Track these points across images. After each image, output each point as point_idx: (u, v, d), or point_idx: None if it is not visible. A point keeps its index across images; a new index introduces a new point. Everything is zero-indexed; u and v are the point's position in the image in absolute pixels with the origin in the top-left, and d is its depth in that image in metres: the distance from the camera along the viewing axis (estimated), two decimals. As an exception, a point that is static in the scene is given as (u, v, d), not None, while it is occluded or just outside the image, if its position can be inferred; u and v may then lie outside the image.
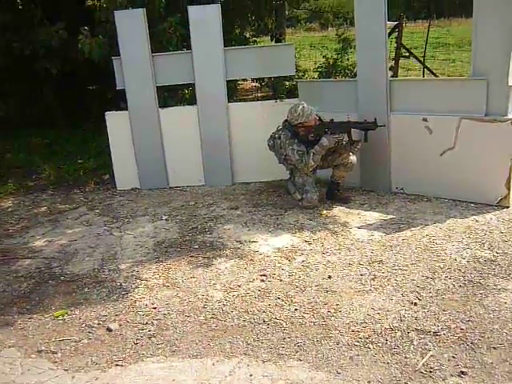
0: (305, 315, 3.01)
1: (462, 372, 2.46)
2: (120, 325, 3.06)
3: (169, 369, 2.66)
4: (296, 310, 3.07)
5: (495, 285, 3.16)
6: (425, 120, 4.46)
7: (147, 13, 5.06)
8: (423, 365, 2.53)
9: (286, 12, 11.80)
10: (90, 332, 3.02)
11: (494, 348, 2.61)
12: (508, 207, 4.21)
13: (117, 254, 4.00)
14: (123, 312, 3.19)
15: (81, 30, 5.55)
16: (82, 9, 5.81)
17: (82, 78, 7.78)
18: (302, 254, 3.75)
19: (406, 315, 2.93)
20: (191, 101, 5.87)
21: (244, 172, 5.37)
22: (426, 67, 8.54)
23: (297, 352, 2.70)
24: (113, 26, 5.19)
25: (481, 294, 3.08)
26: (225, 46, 5.13)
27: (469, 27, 4.20)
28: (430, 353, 2.61)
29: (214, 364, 2.67)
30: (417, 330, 2.80)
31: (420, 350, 2.65)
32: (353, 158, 4.58)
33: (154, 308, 3.20)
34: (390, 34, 7.95)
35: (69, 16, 6.60)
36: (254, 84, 10.54)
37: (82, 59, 5.80)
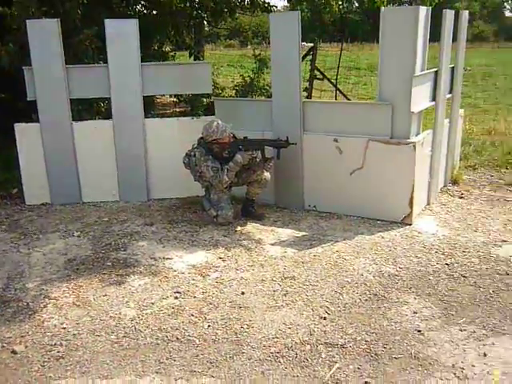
0: (218, 331, 3.04)
1: (366, 382, 2.59)
2: (26, 347, 2.94)
3: (78, 391, 2.59)
4: (209, 326, 3.09)
5: (397, 298, 3.36)
6: (336, 141, 4.67)
7: (62, 23, 4.94)
8: (330, 376, 2.64)
9: (206, 29, 11.90)
10: (-8, 355, 2.88)
11: (396, 358, 2.77)
12: (411, 224, 4.49)
13: (24, 272, 3.84)
14: (30, 333, 3.06)
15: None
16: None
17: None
18: (216, 271, 3.78)
19: (315, 329, 3.04)
20: (107, 115, 5.78)
21: (160, 188, 5.34)
22: (338, 89, 8.95)
23: (209, 369, 2.73)
24: (25, 34, 5.01)
25: (384, 307, 3.26)
26: (142, 61, 5.11)
27: (378, 52, 4.46)
28: (337, 365, 2.73)
29: (125, 384, 2.63)
30: (325, 343, 2.92)
31: (328, 362, 2.76)
32: (266, 174, 4.70)
33: (64, 328, 3.11)
34: (304, 57, 8.27)
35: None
36: (171, 99, 10.53)
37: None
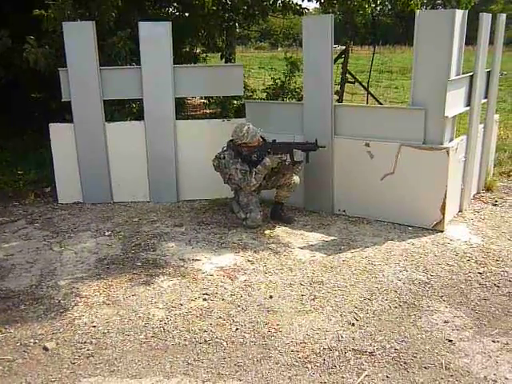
0: (246, 335, 3.04)
1: (395, 391, 2.56)
2: (57, 344, 2.98)
3: (106, 389, 2.62)
4: (237, 329, 3.09)
5: (428, 306, 3.30)
6: (367, 145, 4.62)
7: (96, 26, 5.03)
8: (359, 384, 2.62)
9: (237, 31, 11.94)
10: (25, 351, 2.93)
11: (425, 368, 2.72)
12: (442, 231, 4.41)
13: (56, 270, 3.90)
14: (61, 330, 3.11)
15: (27, 38, 5.43)
16: (28, 17, 5.69)
17: (26, 86, 7.58)
18: (245, 274, 3.78)
19: (343, 335, 3.02)
20: (139, 115, 5.84)
21: (189, 189, 5.38)
22: (370, 93, 8.86)
23: (237, 372, 2.72)
24: (60, 37, 5.11)
25: (415, 315, 3.21)
26: (174, 63, 5.15)
27: (411, 55, 4.40)
28: (366, 372, 2.69)
29: (153, 384, 2.65)
30: (354, 349, 2.88)
31: (356, 369, 2.72)
32: (296, 178, 4.68)
33: (94, 326, 3.15)
34: (336, 60, 8.22)
35: (14, 24, 6.44)
36: (202, 100, 10.60)
37: (26, 67, 5.67)
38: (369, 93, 9.17)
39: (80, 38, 5.00)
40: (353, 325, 3.11)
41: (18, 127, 7.52)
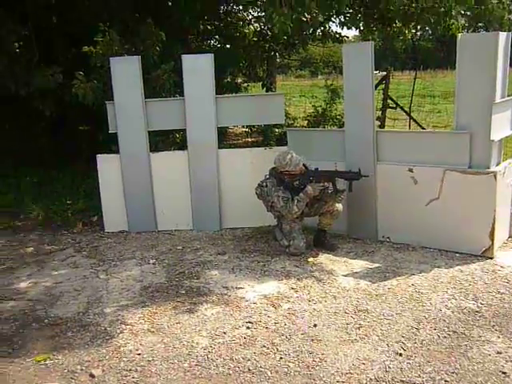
0: (290, 364, 3.00)
1: (447, 425, 2.46)
2: (103, 371, 3.02)
3: (151, 418, 2.63)
4: (281, 358, 3.06)
5: (479, 336, 3.18)
6: (410, 170, 4.56)
7: (142, 60, 5.21)
8: (408, 417, 2.53)
9: (277, 60, 12.10)
10: (72, 378, 2.97)
11: (478, 401, 2.62)
12: (492, 258, 4.28)
13: (102, 297, 3.97)
14: (107, 357, 3.15)
15: (76, 74, 5.66)
16: (77, 54, 5.95)
17: (74, 119, 7.88)
18: (288, 302, 3.75)
19: (391, 366, 2.94)
20: (182, 145, 5.96)
21: (232, 218, 5.41)
22: (412, 118, 8.78)
23: (281, 402, 2.69)
24: (107, 71, 5.31)
25: (465, 345, 3.10)
26: (216, 93, 5.26)
27: (453, 78, 4.34)
28: (415, 405, 2.61)
29: (197, 413, 2.64)
30: (402, 381, 2.80)
31: (405, 401, 2.64)
32: (339, 206, 4.65)
33: (139, 354, 3.17)
34: (377, 85, 8.20)
35: (65, 60, 6.75)
36: (244, 129, 10.72)
37: (75, 102, 5.91)
38: (411, 118, 9.08)
39: (126, 72, 5.18)
40: (400, 355, 3.03)
41: (66, 159, 7.79)
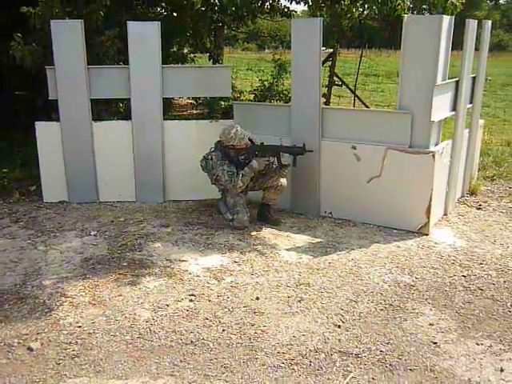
0: (232, 336, 3.04)
1: (380, 393, 2.58)
2: (42, 344, 2.96)
3: (92, 390, 2.61)
4: (224, 330, 3.10)
5: (413, 309, 3.33)
6: (354, 148, 4.65)
7: (85, 25, 4.99)
8: (344, 386, 2.63)
9: (225, 31, 11.94)
10: (9, 351, 2.90)
11: (411, 370, 2.75)
12: (427, 234, 4.46)
13: (41, 269, 3.87)
14: (46, 331, 3.09)
15: (14, 36, 5.37)
16: (16, 14, 5.63)
17: (11, 83, 7.50)
18: (231, 275, 3.79)
19: (330, 337, 3.03)
20: (126, 115, 5.82)
21: (176, 190, 5.36)
22: (357, 96, 8.92)
23: (223, 373, 2.73)
24: (48, 34, 5.07)
25: (400, 317, 3.24)
26: (162, 63, 5.14)
27: (397, 58, 4.43)
28: (352, 374, 2.71)
29: (139, 385, 2.64)
30: (340, 351, 2.90)
31: (342, 371, 2.74)
32: (283, 180, 4.70)
33: (79, 327, 3.13)
34: (324, 62, 8.26)
35: (1, 20, 6.38)
36: (189, 101, 10.58)
37: (12, 65, 5.62)
38: (356, 96, 9.22)
39: (68, 37, 4.96)
40: (339, 327, 3.13)
41: (2, 125, 7.43)
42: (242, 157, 4.54)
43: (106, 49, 5.61)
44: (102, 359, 2.84)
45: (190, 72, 5.49)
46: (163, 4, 9.23)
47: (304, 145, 4.54)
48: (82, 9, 5.68)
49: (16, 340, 2.99)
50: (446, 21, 4.29)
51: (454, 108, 4.80)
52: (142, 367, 2.77)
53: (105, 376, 2.70)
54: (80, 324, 3.15)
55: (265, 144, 4.55)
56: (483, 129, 6.26)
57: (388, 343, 2.97)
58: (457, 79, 4.73)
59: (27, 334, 3.05)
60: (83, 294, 3.51)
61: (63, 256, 4.10)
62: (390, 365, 2.78)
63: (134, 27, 5.02)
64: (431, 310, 3.32)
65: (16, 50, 5.33)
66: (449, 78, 4.61)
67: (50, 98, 5.14)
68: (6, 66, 6.14)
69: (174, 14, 8.89)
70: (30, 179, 5.78)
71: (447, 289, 3.59)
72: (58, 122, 5.17)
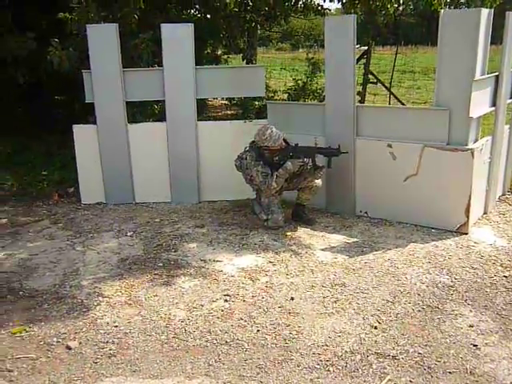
0: (267, 337, 3.03)
1: (419, 396, 2.52)
2: (80, 343, 3.01)
3: (128, 389, 2.63)
4: (258, 331, 3.08)
5: (452, 310, 3.25)
6: (389, 146, 4.58)
7: (119, 28, 5.07)
8: (381, 388, 2.58)
9: (259, 32, 11.94)
10: (48, 350, 2.96)
11: (450, 373, 2.68)
12: (467, 234, 4.34)
13: (79, 269, 3.94)
14: (83, 330, 3.14)
15: (51, 41, 5.50)
16: (52, 20, 5.77)
17: (50, 88, 7.68)
18: (266, 275, 3.77)
19: (366, 338, 2.98)
20: (160, 116, 5.87)
21: (211, 190, 5.38)
22: (392, 94, 8.78)
23: (258, 374, 2.71)
24: (84, 39, 5.17)
25: (438, 318, 3.16)
26: (196, 65, 5.17)
27: (434, 54, 4.33)
28: (388, 377, 2.66)
29: (174, 385, 2.65)
30: (376, 353, 2.85)
31: (378, 373, 2.69)
32: (318, 181, 4.66)
33: (116, 326, 3.17)
34: (358, 60, 8.16)
35: (39, 26, 6.54)
36: (223, 102, 10.62)
37: (50, 70, 5.75)
38: (391, 93, 9.08)
39: (103, 41, 5.05)
40: (375, 328, 3.08)
41: (42, 129, 7.63)
42: (277, 158, 4.52)
43: (141, 51, 5.67)
44: (137, 359, 2.86)
45: (223, 72, 5.51)
46: (197, 6, 9.29)
47: (339, 146, 4.48)
48: (116, 13, 5.77)
49: (55, 339, 3.05)
50: (485, 14, 4.16)
51: (494, 103, 4.66)
52: (177, 367, 2.79)
53: (141, 375, 2.73)
54: (116, 324, 3.19)
55: (299, 145, 4.52)
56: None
57: (426, 345, 2.90)
58: (496, 74, 4.59)
59: (66, 333, 3.10)
60: (120, 293, 3.56)
61: (100, 256, 4.16)
62: (429, 367, 2.72)
63: (167, 29, 5.06)
64: (471, 311, 3.23)
65: (54, 55, 5.45)
66: (488, 73, 4.48)
67: (86, 101, 5.23)
68: (44, 71, 6.29)
69: (208, 16, 8.94)
70: (68, 181, 5.90)
71: (488, 290, 3.48)
72: (94, 124, 5.26)
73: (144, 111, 6.30)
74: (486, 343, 2.91)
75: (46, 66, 5.80)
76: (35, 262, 4.08)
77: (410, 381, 2.62)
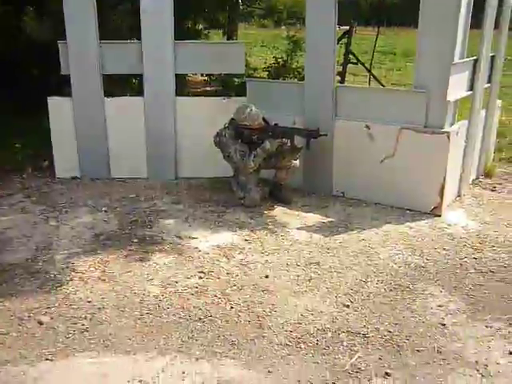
0: (240, 314, 3.05)
1: (387, 373, 2.57)
2: (52, 318, 2.99)
3: (100, 364, 2.63)
4: (232, 308, 3.10)
5: (423, 290, 3.31)
6: (367, 127, 4.59)
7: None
8: (351, 365, 2.63)
9: (240, 7, 11.78)
10: (19, 324, 2.93)
11: (418, 351, 2.74)
12: (440, 216, 4.40)
13: (52, 244, 3.90)
14: (56, 305, 3.12)
15: (25, 9, 5.34)
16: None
17: (23, 59, 7.48)
18: (241, 253, 3.79)
19: (338, 317, 3.03)
20: (138, 91, 5.79)
21: (188, 167, 5.35)
22: (373, 75, 8.76)
23: (230, 350, 2.74)
24: (60, 8, 5.03)
25: (409, 298, 3.22)
26: (176, 39, 5.08)
27: (415, 36, 4.33)
28: (358, 354, 2.71)
29: (147, 360, 2.66)
30: (347, 331, 2.90)
31: (349, 350, 2.74)
32: (295, 162, 4.66)
33: (89, 302, 3.15)
34: (339, 40, 8.11)
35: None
36: (203, 78, 10.51)
37: (23, 40, 5.60)
38: (371, 74, 9.06)
39: (80, 11, 4.91)
40: (347, 306, 3.12)
41: (16, 101, 7.44)
42: (255, 137, 4.50)
43: (119, 24, 5.56)
44: (110, 334, 2.86)
45: (203, 48, 5.43)
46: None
47: (318, 128, 4.48)
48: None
49: (26, 314, 3.03)
50: (465, -3, 4.17)
51: (471, 88, 4.69)
52: (150, 343, 2.79)
53: (113, 351, 2.73)
54: (90, 299, 3.18)
55: (279, 125, 4.50)
56: (500, 109, 6.12)
57: (396, 324, 2.96)
58: (475, 58, 4.61)
59: (37, 308, 3.08)
60: (93, 269, 3.54)
61: (74, 231, 4.12)
62: (398, 345, 2.77)
63: (145, 2, 4.95)
64: (441, 291, 3.30)
65: (28, 24, 5.30)
66: (467, 57, 4.50)
67: (62, 73, 5.12)
68: (18, 40, 6.11)
69: (189, -11, 8.78)
70: (42, 155, 5.79)
71: (458, 271, 3.55)
72: (70, 97, 5.16)
73: (121, 85, 6.19)
74: (454, 322, 2.97)
75: (19, 34, 5.65)
76: (8, 236, 4.02)
77: (380, 358, 2.68)
